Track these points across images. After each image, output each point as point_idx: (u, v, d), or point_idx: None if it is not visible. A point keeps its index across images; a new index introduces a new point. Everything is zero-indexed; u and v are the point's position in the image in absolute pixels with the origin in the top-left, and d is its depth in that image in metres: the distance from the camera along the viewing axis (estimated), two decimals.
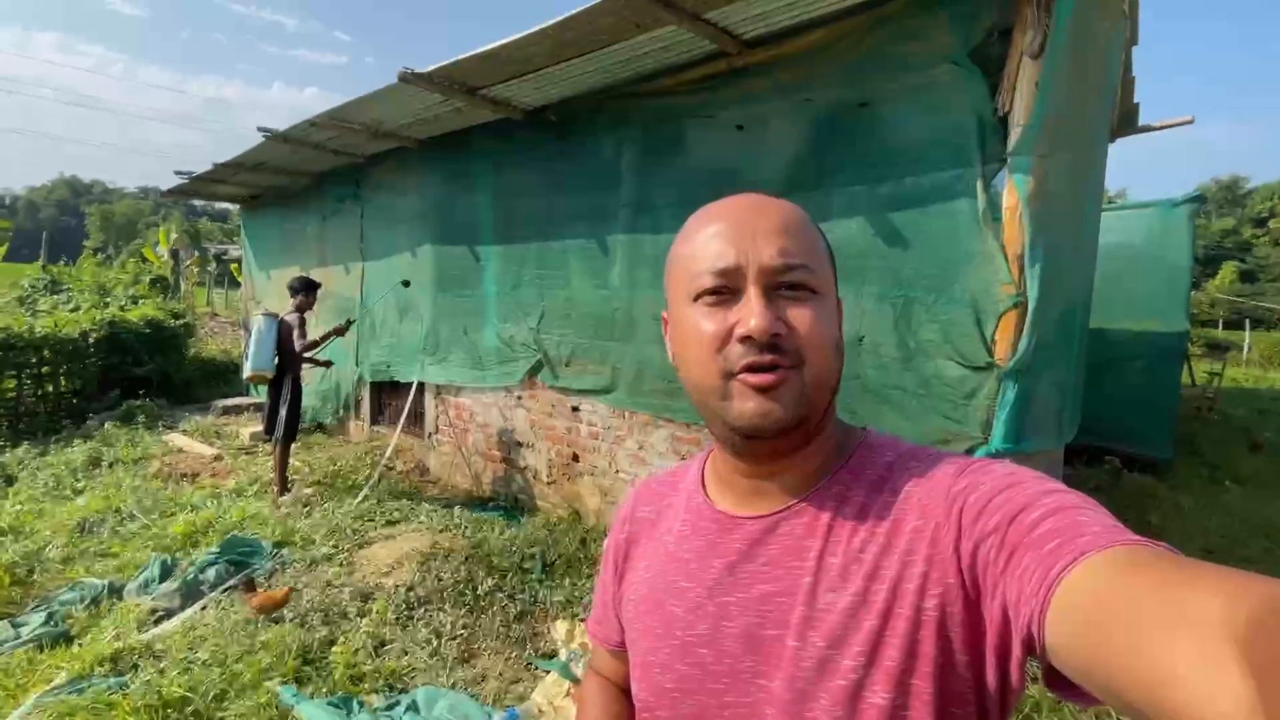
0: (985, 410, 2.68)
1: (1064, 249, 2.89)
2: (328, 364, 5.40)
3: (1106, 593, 0.41)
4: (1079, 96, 2.85)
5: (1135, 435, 5.83)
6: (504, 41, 3.32)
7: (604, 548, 0.86)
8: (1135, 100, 5.21)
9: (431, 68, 3.69)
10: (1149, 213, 6.01)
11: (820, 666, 0.57)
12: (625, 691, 0.81)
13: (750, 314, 0.59)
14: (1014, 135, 2.52)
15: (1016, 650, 0.51)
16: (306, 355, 4.84)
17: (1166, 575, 0.39)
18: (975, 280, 2.66)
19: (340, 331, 5.12)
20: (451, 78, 3.82)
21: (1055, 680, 0.47)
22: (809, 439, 0.65)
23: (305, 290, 4.96)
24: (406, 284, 5.57)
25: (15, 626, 3.11)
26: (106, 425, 6.68)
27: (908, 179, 2.82)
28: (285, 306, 4.96)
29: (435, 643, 2.97)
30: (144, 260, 16.15)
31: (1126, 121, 5.39)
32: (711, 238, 0.63)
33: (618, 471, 4.22)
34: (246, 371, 4.81)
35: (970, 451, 2.73)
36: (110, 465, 5.57)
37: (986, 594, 0.52)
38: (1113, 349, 5.90)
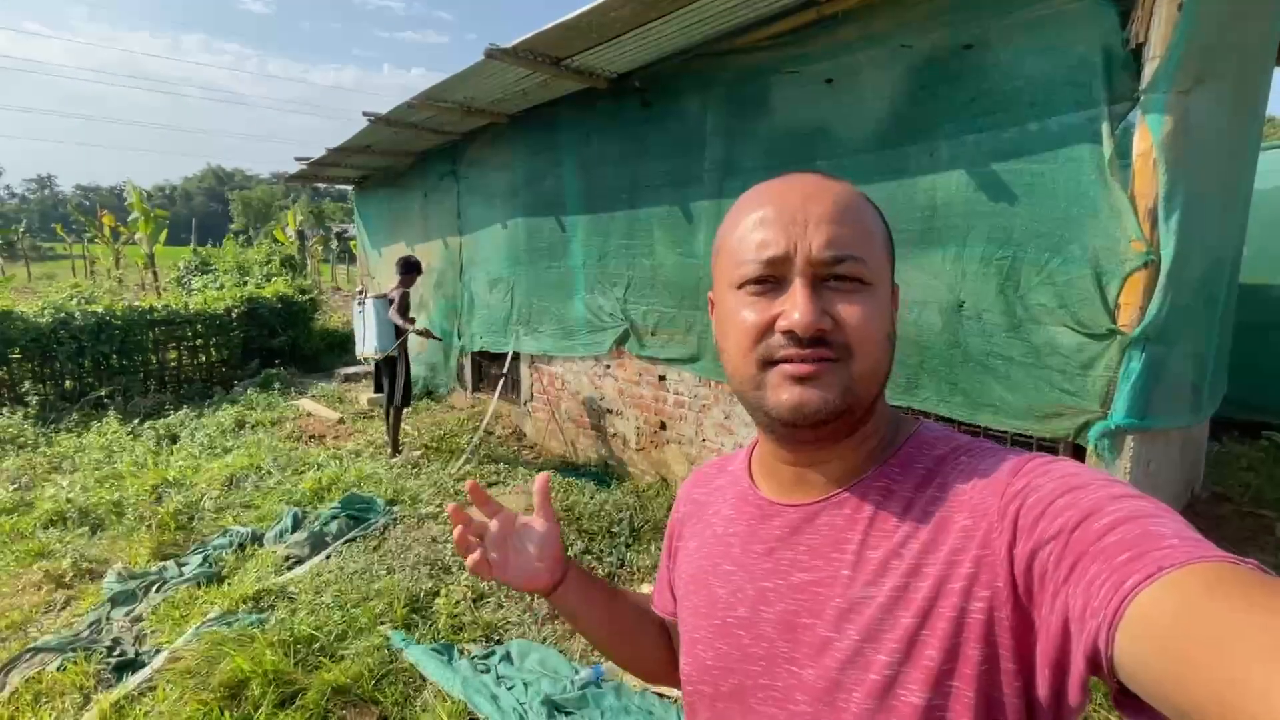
0: (1105, 382, 2.43)
1: (1208, 198, 2.53)
2: (436, 337, 5.95)
3: (1192, 614, 0.38)
4: (1233, 16, 2.44)
5: None
6: (586, 8, 3.29)
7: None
8: None
9: (515, 41, 3.74)
10: None
11: (853, 659, 0.57)
12: (663, 629, 0.88)
13: (794, 307, 0.57)
14: (1149, 69, 2.21)
15: (1079, 664, 0.47)
16: (414, 330, 5.30)
17: (1262, 600, 0.36)
18: (1097, 237, 2.39)
19: (426, 333, 5.56)
20: (535, 50, 3.85)
21: (1123, 701, 0.44)
22: (853, 429, 0.63)
23: (413, 270, 5.44)
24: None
25: (180, 566, 3.61)
26: (249, 391, 7.52)
27: (1019, 126, 2.55)
28: (391, 282, 5.35)
29: (528, 599, 3.14)
30: (275, 241, 17.74)
31: None
32: (758, 224, 0.61)
33: (704, 440, 4.22)
34: (370, 352, 5.23)
35: (1086, 427, 2.50)
36: (252, 427, 6.27)
37: (1044, 602, 0.49)
38: (1277, 309, 5.13)
